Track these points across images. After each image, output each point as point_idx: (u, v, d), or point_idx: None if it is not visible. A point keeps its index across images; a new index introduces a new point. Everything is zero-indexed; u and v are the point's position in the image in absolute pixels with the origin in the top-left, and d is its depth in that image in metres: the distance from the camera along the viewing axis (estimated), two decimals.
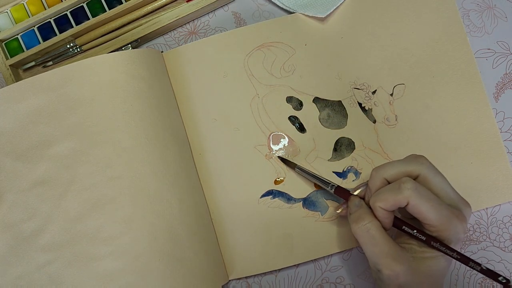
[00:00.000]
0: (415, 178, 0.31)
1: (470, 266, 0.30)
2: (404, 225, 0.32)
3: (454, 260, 0.30)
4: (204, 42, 0.41)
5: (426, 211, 0.29)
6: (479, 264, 0.30)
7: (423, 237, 0.31)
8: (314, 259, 0.40)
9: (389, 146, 0.40)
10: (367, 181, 0.34)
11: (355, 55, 0.41)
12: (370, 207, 0.32)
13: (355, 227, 0.32)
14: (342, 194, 0.35)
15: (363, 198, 0.34)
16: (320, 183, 0.37)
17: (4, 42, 0.43)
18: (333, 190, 0.35)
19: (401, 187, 0.30)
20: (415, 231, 0.31)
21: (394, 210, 0.31)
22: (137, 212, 0.35)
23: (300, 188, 0.39)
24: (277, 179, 0.40)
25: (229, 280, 0.40)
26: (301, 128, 0.40)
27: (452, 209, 0.30)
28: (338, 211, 0.36)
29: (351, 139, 0.40)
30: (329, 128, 0.40)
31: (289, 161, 0.39)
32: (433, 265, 0.31)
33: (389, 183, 0.32)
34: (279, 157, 0.40)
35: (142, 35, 0.41)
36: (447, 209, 0.30)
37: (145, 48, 0.43)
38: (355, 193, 0.34)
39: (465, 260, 0.30)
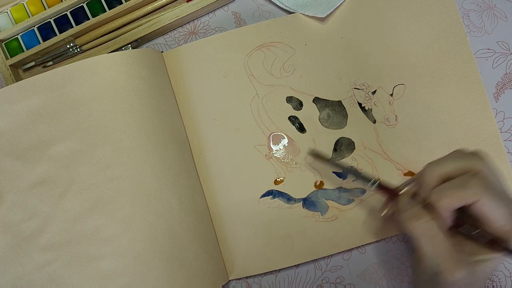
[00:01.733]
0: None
1: None
2: (465, 224, 0.29)
3: None
4: (204, 42, 0.41)
5: (496, 209, 0.27)
6: None
7: (486, 237, 0.29)
8: (314, 259, 0.40)
9: (389, 146, 0.40)
10: (413, 177, 0.32)
11: (355, 55, 0.41)
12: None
13: (414, 224, 0.29)
14: (387, 192, 0.33)
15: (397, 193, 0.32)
16: (358, 179, 0.35)
17: (4, 42, 0.43)
18: (374, 187, 0.33)
19: (469, 184, 0.28)
20: (478, 230, 0.29)
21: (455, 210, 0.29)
22: (137, 212, 0.35)
23: (300, 188, 0.39)
24: (277, 179, 0.40)
25: (229, 280, 0.40)
26: (301, 128, 0.40)
27: None
28: (383, 213, 0.33)
29: (351, 139, 0.40)
30: (329, 128, 0.40)
31: (322, 155, 0.38)
32: (486, 268, 0.29)
33: (444, 180, 0.30)
34: (312, 150, 0.38)
35: (142, 35, 0.41)
36: (509, 205, 0.28)
37: (145, 48, 0.43)
38: (404, 190, 0.32)
39: None
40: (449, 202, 0.28)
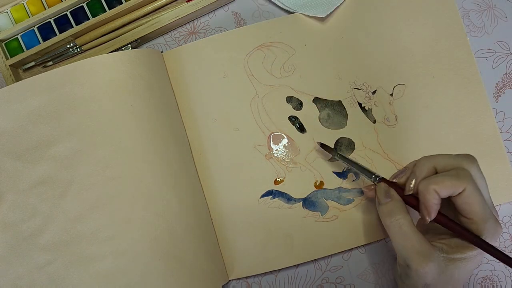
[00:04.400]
0: None
1: (509, 265, 0.30)
2: (444, 217, 0.31)
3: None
4: (204, 42, 0.41)
5: (477, 202, 0.30)
6: None
7: (466, 231, 0.30)
8: (314, 259, 0.40)
9: (389, 146, 0.40)
10: (403, 168, 0.34)
11: (355, 55, 0.41)
12: (402, 199, 0.32)
13: (387, 221, 0.32)
14: (390, 185, 0.34)
15: (400, 187, 0.33)
16: (362, 173, 0.36)
17: (4, 42, 0.43)
18: (377, 182, 0.34)
19: (459, 174, 0.30)
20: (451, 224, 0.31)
21: (441, 200, 0.31)
22: (137, 212, 0.35)
23: (300, 188, 0.39)
24: (277, 179, 0.40)
25: (229, 280, 0.40)
26: (301, 128, 0.40)
27: (492, 211, 0.31)
28: (366, 193, 0.36)
29: (351, 139, 0.40)
30: (329, 128, 0.40)
31: (329, 147, 0.38)
32: (461, 267, 0.31)
33: (436, 173, 0.32)
34: (319, 143, 0.39)
35: (142, 35, 0.41)
36: (489, 208, 0.30)
37: (145, 48, 0.43)
38: (393, 180, 0.34)
39: (503, 257, 0.30)
40: (439, 187, 0.30)
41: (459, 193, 0.30)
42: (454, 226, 0.31)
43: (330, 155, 0.39)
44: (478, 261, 0.31)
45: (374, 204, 0.39)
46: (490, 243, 0.30)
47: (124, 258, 0.34)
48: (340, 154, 0.37)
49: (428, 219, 0.31)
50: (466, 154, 0.32)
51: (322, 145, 0.39)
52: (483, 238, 0.30)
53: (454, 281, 0.31)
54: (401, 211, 0.31)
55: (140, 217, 0.35)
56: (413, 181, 0.32)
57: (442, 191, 0.30)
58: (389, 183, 0.34)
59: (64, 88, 0.36)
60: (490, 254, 0.30)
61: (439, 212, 0.31)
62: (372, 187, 0.36)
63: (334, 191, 0.39)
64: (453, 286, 0.31)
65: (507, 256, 0.30)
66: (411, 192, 0.32)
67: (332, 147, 0.40)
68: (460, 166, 0.31)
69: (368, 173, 0.35)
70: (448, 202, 0.32)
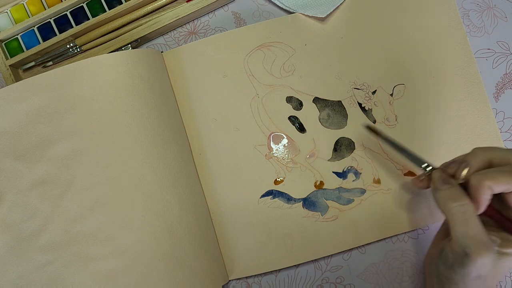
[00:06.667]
0: None
1: None
2: (497, 212, 0.31)
3: None
4: (204, 42, 0.41)
5: None
6: None
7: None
8: (314, 259, 0.40)
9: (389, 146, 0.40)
10: (455, 158, 0.33)
11: (355, 55, 0.41)
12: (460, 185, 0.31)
13: (451, 204, 0.30)
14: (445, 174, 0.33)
15: (452, 176, 0.32)
16: (410, 160, 0.35)
17: (4, 42, 0.43)
18: (428, 172, 0.33)
19: None
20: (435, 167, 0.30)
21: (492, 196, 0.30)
22: (137, 212, 0.35)
23: (300, 188, 0.39)
24: (277, 179, 0.40)
25: (229, 280, 0.40)
26: (301, 128, 0.40)
27: None
28: (419, 184, 0.35)
29: (351, 139, 0.40)
30: (329, 128, 0.40)
31: (376, 130, 0.37)
32: (509, 261, 0.30)
33: (490, 167, 0.31)
34: (366, 125, 0.38)
35: (142, 35, 0.41)
36: None
37: (145, 48, 0.43)
38: (440, 167, 0.33)
39: None
40: (494, 183, 0.29)
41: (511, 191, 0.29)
42: (505, 221, 0.30)
43: (329, 157, 0.39)
44: None
45: (375, 204, 0.39)
46: None
47: (124, 258, 0.34)
48: (386, 138, 0.36)
49: (477, 213, 0.30)
50: None
51: (368, 128, 0.38)
52: None
53: (499, 275, 0.30)
54: (465, 197, 0.30)
55: (140, 217, 0.35)
56: (466, 170, 0.31)
57: (496, 187, 0.29)
58: (441, 171, 0.33)
59: (64, 88, 0.36)
60: None
61: (489, 205, 0.30)
62: (421, 178, 0.34)
63: (334, 191, 0.39)
64: (496, 280, 0.31)
65: None
66: (462, 181, 0.31)
67: (333, 147, 0.40)
68: None
69: (419, 161, 0.34)
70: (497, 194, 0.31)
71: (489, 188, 0.29)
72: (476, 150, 0.32)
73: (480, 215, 0.30)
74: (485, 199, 0.29)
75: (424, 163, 0.34)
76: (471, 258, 0.29)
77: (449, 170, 0.33)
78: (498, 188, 0.29)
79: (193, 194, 0.38)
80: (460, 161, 0.32)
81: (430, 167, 0.33)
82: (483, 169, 0.31)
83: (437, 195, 0.31)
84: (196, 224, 0.37)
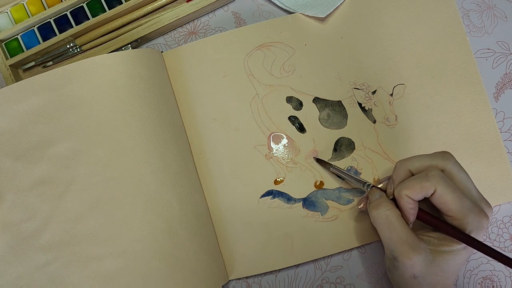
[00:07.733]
0: None
1: (492, 256, 0.30)
2: (427, 215, 0.32)
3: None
4: (204, 42, 0.41)
5: (451, 200, 0.30)
6: (500, 254, 0.29)
7: (447, 226, 0.31)
8: (314, 259, 0.40)
9: (389, 146, 0.40)
10: (390, 175, 0.34)
11: (355, 55, 0.41)
12: (392, 199, 0.33)
13: (374, 213, 0.32)
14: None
15: (384, 191, 0.34)
16: (357, 184, 0.37)
17: (4, 42, 0.43)
18: (368, 189, 0.35)
19: (428, 175, 0.30)
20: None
21: (418, 202, 0.31)
22: (137, 212, 0.35)
23: (300, 188, 0.39)
24: (277, 179, 0.40)
25: (229, 280, 0.40)
26: (301, 128, 0.40)
27: (474, 204, 0.31)
28: (360, 206, 0.36)
29: (351, 139, 0.40)
30: (329, 128, 0.40)
31: (324, 161, 0.39)
32: (450, 259, 0.31)
33: (412, 175, 0.32)
34: (315, 158, 0.39)
35: (142, 35, 0.41)
36: (469, 202, 0.30)
37: (145, 48, 0.43)
38: (379, 186, 0.35)
39: (485, 250, 0.30)
40: (410, 192, 0.31)
41: (432, 194, 0.30)
42: (437, 223, 0.32)
43: (329, 157, 0.39)
44: (466, 254, 0.32)
45: None
46: (477, 235, 0.30)
47: (124, 258, 0.34)
48: (335, 167, 0.38)
49: (408, 222, 0.32)
50: (440, 152, 0.33)
51: (318, 160, 0.39)
52: (467, 232, 0.30)
53: (443, 273, 0.31)
54: (388, 204, 0.32)
55: (140, 217, 0.35)
56: (392, 186, 0.33)
57: (413, 195, 0.31)
58: (375, 188, 0.35)
59: (64, 88, 0.36)
60: (474, 248, 0.30)
61: (422, 210, 0.32)
62: (363, 197, 0.37)
63: (334, 191, 0.39)
64: (442, 277, 0.31)
65: (490, 248, 0.30)
66: (391, 197, 0.33)
67: (333, 147, 0.40)
68: (432, 166, 0.31)
69: (360, 183, 0.36)
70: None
71: (407, 196, 0.31)
72: (397, 164, 0.34)
73: (416, 220, 0.32)
74: (408, 208, 0.31)
75: (365, 182, 0.36)
76: (399, 260, 0.31)
77: (382, 186, 0.35)
78: (416, 196, 0.31)
79: (193, 194, 0.38)
80: (388, 177, 0.34)
81: (370, 185, 0.35)
82: (405, 179, 0.32)
83: (369, 210, 0.33)
84: (196, 224, 0.37)
